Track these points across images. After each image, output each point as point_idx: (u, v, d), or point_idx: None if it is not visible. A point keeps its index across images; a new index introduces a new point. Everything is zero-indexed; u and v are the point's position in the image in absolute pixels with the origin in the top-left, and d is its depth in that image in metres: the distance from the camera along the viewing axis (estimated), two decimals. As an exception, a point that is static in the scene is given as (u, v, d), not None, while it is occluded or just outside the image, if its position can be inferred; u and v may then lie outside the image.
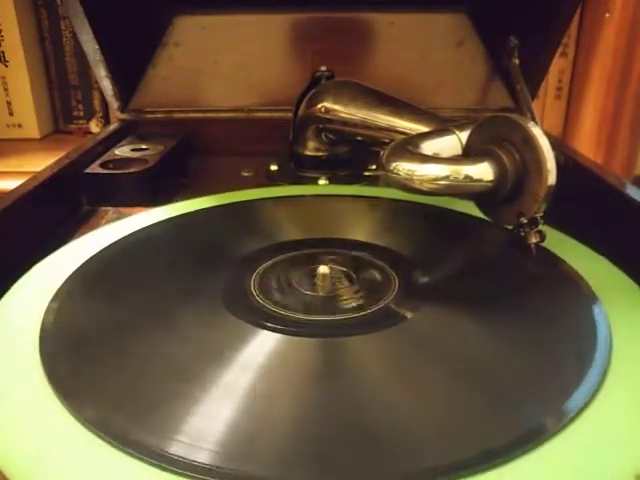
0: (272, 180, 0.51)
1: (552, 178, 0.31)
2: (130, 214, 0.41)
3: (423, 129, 0.41)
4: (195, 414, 0.21)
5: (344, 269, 0.32)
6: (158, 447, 0.20)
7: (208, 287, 0.30)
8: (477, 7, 0.59)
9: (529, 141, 0.31)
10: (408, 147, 0.34)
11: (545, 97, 0.74)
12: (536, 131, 0.31)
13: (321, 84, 0.51)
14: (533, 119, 0.48)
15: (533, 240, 0.32)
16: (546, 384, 0.23)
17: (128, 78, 0.59)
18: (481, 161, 0.33)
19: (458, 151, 0.35)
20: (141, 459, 0.19)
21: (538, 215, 0.32)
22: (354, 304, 0.29)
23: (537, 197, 0.31)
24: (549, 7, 0.51)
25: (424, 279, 0.31)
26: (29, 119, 0.77)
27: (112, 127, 0.58)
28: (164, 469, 0.19)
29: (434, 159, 0.33)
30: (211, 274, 0.32)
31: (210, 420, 0.21)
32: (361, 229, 0.38)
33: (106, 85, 0.57)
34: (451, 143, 0.36)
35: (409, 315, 0.28)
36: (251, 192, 0.44)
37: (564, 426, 0.20)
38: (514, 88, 0.54)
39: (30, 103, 0.76)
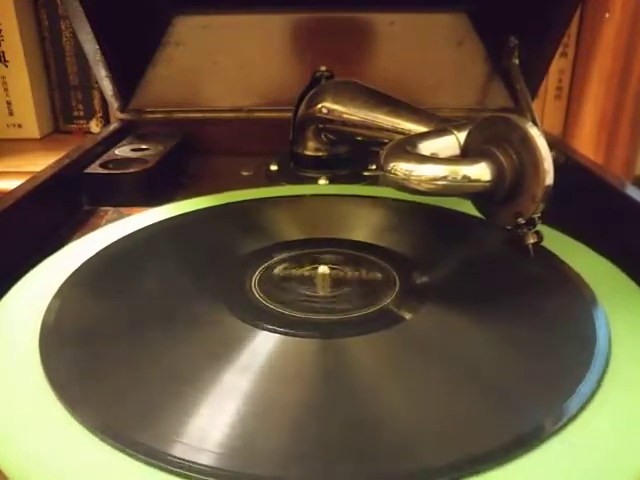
0: (272, 180, 0.51)
1: (549, 178, 0.31)
2: (130, 214, 0.41)
3: (422, 129, 0.41)
4: (196, 415, 0.21)
5: (344, 269, 0.33)
6: (158, 448, 0.20)
7: (208, 287, 0.31)
8: (477, 7, 0.59)
9: (526, 141, 0.31)
10: (406, 147, 0.34)
11: (545, 97, 0.74)
12: (533, 131, 0.31)
13: (321, 84, 0.51)
14: (533, 119, 0.48)
15: (531, 240, 0.32)
16: (546, 384, 0.23)
17: (128, 78, 0.59)
18: (479, 161, 0.33)
19: (456, 151, 0.35)
20: (141, 460, 0.19)
21: (536, 215, 0.32)
22: (354, 304, 0.29)
23: (534, 197, 0.31)
24: (549, 7, 0.51)
25: (424, 279, 0.31)
26: (29, 119, 0.77)
27: (112, 127, 0.58)
28: (164, 470, 0.19)
29: (432, 159, 0.33)
30: (211, 274, 0.32)
31: (211, 421, 0.21)
32: (361, 229, 0.38)
33: (106, 85, 0.57)
34: (449, 143, 0.36)
35: (409, 316, 0.28)
36: (251, 192, 0.44)
37: (564, 426, 0.20)
38: (514, 88, 0.54)
39: (30, 103, 0.76)
